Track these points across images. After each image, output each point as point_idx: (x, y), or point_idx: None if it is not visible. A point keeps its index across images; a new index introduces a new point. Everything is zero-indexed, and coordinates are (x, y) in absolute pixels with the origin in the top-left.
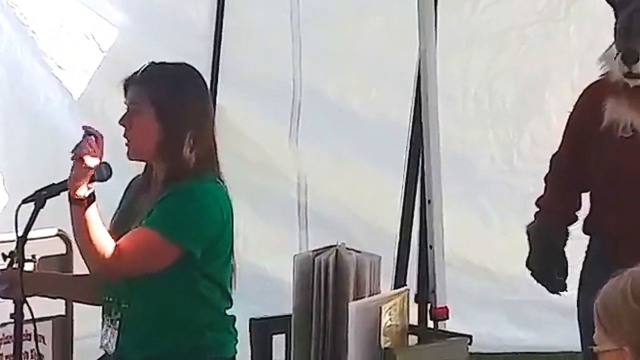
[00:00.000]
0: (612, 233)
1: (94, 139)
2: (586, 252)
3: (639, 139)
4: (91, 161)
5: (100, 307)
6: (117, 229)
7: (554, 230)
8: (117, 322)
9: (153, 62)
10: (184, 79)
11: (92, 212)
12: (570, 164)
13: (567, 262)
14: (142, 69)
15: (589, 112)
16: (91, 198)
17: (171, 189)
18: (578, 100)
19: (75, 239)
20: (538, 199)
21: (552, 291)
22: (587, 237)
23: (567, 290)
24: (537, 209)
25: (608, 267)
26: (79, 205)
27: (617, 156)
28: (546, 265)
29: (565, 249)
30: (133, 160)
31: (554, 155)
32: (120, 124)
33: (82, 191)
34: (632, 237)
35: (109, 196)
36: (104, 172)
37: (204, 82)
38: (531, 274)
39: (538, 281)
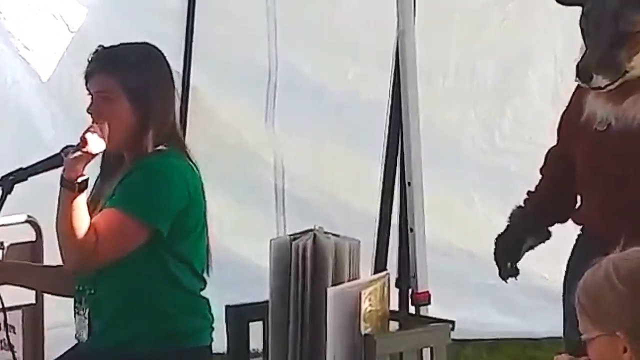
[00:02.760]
0: (591, 225)
1: (106, 125)
2: (576, 240)
3: (612, 133)
4: (95, 145)
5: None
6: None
7: (533, 229)
8: (87, 310)
9: (111, 46)
10: (150, 60)
11: (80, 200)
12: (560, 159)
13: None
14: (100, 55)
15: (575, 106)
16: (83, 185)
17: (132, 167)
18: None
19: (56, 224)
20: (531, 191)
21: (501, 276)
22: None
23: (516, 278)
24: (527, 197)
25: (588, 258)
26: (70, 190)
27: (592, 150)
28: (507, 253)
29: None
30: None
31: (549, 150)
32: (89, 113)
33: (76, 175)
34: (608, 229)
35: None
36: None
37: (165, 59)
38: (494, 249)
39: (495, 259)
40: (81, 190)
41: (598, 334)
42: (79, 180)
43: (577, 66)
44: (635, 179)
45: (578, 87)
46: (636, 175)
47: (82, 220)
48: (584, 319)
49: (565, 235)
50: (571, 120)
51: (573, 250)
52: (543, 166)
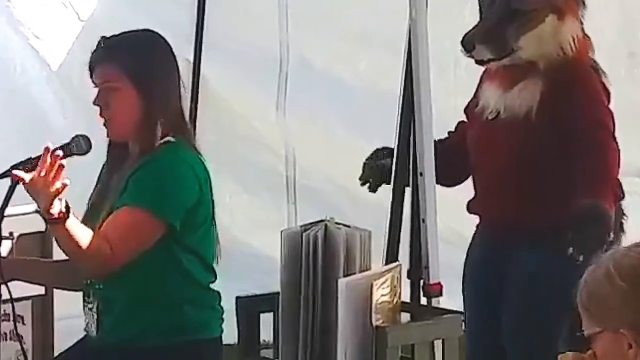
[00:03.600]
0: (482, 212)
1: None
2: (475, 227)
3: (500, 122)
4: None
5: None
6: (91, 212)
7: None
8: (96, 304)
9: (112, 35)
10: (154, 47)
11: (71, 223)
12: (462, 138)
13: None
14: (104, 45)
15: (476, 93)
16: (63, 215)
17: (142, 161)
18: None
19: (63, 250)
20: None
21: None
22: None
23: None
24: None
25: (483, 248)
26: (55, 224)
27: (481, 137)
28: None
29: None
30: (113, 140)
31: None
32: (96, 104)
33: (55, 209)
34: (492, 219)
35: (88, 170)
36: (83, 146)
37: (169, 45)
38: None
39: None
40: (66, 218)
41: (601, 329)
42: (55, 215)
43: (463, 36)
44: (518, 169)
45: (483, 73)
46: (519, 165)
47: (82, 236)
48: (586, 317)
49: None
50: (470, 108)
51: (473, 236)
52: (452, 131)
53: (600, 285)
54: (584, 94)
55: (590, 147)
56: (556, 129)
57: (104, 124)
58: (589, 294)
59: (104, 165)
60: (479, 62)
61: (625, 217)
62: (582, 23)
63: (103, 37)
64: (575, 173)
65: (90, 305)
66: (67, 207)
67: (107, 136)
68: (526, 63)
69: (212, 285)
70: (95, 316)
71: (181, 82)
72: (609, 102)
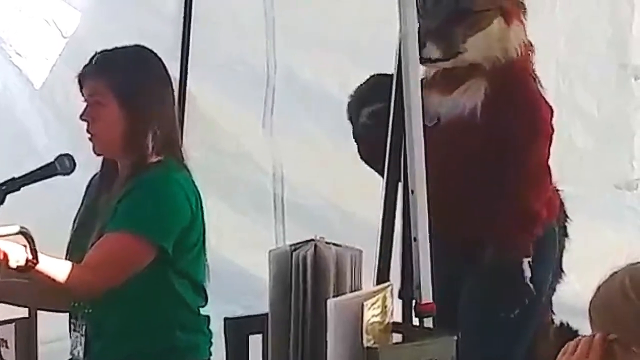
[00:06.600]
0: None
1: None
2: None
3: (440, 128)
4: (14, 260)
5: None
6: (80, 231)
7: None
8: (84, 327)
9: (105, 50)
10: (143, 64)
11: (43, 266)
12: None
13: None
14: (95, 59)
15: None
16: (34, 257)
17: (134, 182)
18: None
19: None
20: None
21: None
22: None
23: None
24: None
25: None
26: (26, 272)
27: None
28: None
29: None
30: (99, 155)
31: None
32: (82, 119)
33: (19, 262)
34: (436, 231)
35: (73, 189)
36: (67, 165)
37: (162, 63)
38: None
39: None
40: (35, 264)
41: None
42: (20, 267)
43: None
44: (457, 176)
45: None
46: (458, 171)
47: (59, 273)
48: (597, 325)
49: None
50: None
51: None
52: None
53: (612, 300)
54: (525, 101)
55: (524, 157)
56: (497, 130)
57: (90, 139)
58: (600, 307)
59: (90, 181)
60: (425, 61)
61: (569, 220)
62: (525, 27)
63: (96, 52)
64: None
65: (78, 328)
66: (34, 252)
67: (93, 151)
68: (469, 66)
69: (202, 310)
70: (84, 339)
71: (174, 101)
72: (552, 115)
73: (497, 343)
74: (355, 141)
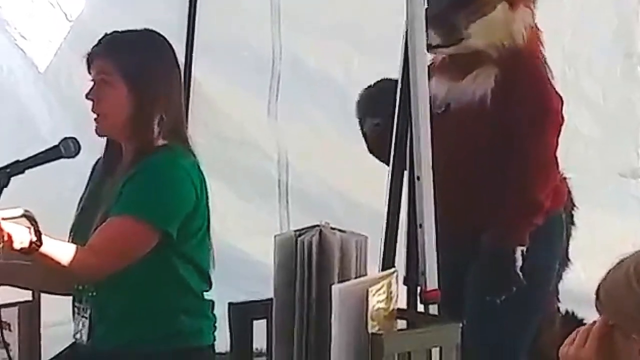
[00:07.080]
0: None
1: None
2: None
3: (450, 114)
4: (18, 241)
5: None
6: (83, 215)
7: None
8: (88, 311)
9: (115, 31)
10: (152, 47)
11: (47, 248)
12: None
13: None
14: (104, 39)
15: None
16: (38, 239)
17: (138, 166)
18: None
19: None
20: None
21: None
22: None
23: None
24: None
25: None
26: (30, 253)
27: (433, 134)
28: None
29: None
30: (102, 136)
31: None
32: (88, 98)
33: (23, 244)
34: (443, 219)
35: (78, 172)
36: (71, 148)
37: (172, 48)
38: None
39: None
40: (39, 246)
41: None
42: (23, 249)
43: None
44: (466, 163)
45: (428, 67)
46: (466, 159)
47: (62, 255)
48: (601, 310)
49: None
50: None
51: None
52: None
53: (617, 286)
54: (535, 91)
55: (531, 146)
56: (506, 119)
57: (95, 119)
58: (605, 295)
59: (95, 165)
60: (426, 47)
61: (575, 208)
62: (533, 12)
63: (106, 33)
64: (512, 168)
65: (82, 312)
66: (38, 234)
67: (96, 132)
68: (475, 52)
69: (206, 294)
70: (88, 323)
71: (181, 86)
72: (562, 105)
73: (489, 330)
74: (365, 139)
